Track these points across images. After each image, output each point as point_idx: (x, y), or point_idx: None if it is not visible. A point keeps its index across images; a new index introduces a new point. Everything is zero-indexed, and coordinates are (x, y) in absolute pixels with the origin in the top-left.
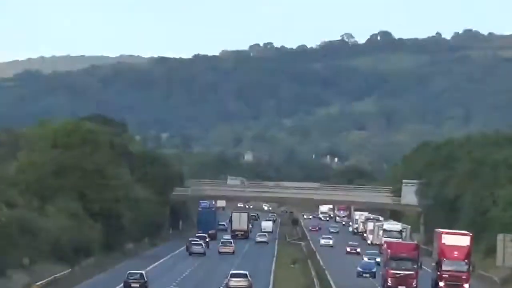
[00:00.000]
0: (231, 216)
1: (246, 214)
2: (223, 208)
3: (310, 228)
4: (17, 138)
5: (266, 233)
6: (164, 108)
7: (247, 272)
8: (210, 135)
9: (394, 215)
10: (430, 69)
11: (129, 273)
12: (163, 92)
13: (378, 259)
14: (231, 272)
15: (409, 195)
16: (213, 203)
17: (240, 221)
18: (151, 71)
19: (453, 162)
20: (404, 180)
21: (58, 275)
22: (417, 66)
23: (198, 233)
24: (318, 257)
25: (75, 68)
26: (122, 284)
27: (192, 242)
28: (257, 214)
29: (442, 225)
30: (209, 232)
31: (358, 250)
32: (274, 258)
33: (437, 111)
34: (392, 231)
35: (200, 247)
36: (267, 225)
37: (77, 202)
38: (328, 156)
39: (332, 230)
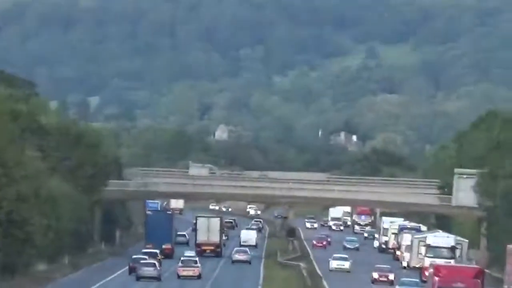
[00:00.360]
0: (195, 223)
1: (217, 220)
2: (181, 211)
3: (315, 242)
4: None
5: (247, 249)
6: (93, 60)
7: None
8: (163, 101)
9: (442, 222)
10: (497, 1)
11: None
12: (92, 35)
13: None
14: None
15: (465, 192)
16: (165, 204)
17: (209, 231)
18: (72, 4)
19: None
20: (457, 170)
21: None
22: None
23: (146, 248)
24: (325, 286)
25: None
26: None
27: (140, 262)
28: (235, 220)
29: None
30: (163, 247)
31: (391, 277)
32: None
33: (508, 64)
34: (441, 247)
35: (152, 268)
36: (249, 236)
37: None
38: (342, 134)
39: (348, 246)
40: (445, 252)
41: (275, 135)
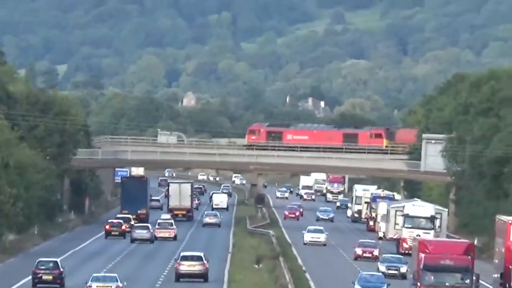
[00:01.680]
0: (168, 188)
1: (189, 185)
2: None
3: (286, 213)
4: None
5: (217, 212)
6: (61, 27)
7: (202, 254)
8: (131, 68)
9: (410, 187)
10: None
11: (39, 261)
12: (59, 2)
13: (402, 268)
14: (181, 254)
15: (434, 157)
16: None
17: (180, 196)
18: None
19: (501, 105)
20: (425, 135)
21: None
22: None
23: (122, 213)
24: (295, 252)
25: None
26: (29, 277)
27: (135, 225)
28: (204, 186)
29: (482, 203)
30: (138, 212)
31: (376, 253)
32: (229, 255)
33: (475, 29)
34: (420, 217)
35: (145, 231)
36: (220, 199)
37: None
38: (310, 99)
39: (322, 216)
40: (424, 222)
41: (243, 101)
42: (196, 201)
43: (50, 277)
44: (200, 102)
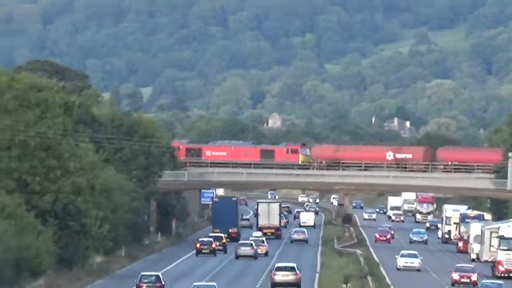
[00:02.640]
0: (257, 208)
1: (277, 204)
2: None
3: (377, 236)
4: None
5: (304, 229)
6: (145, 50)
7: (295, 265)
8: (216, 91)
9: (497, 206)
10: None
11: (142, 275)
12: (143, 25)
13: None
14: (276, 265)
15: None
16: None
17: (269, 215)
18: None
19: None
20: (511, 154)
21: None
22: None
23: (214, 232)
24: (383, 272)
25: None
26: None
27: (240, 243)
28: (289, 207)
29: None
30: (230, 231)
31: (474, 278)
32: (317, 275)
33: None
34: None
35: (249, 248)
36: (308, 217)
37: (17, 195)
38: (395, 119)
39: (415, 239)
40: None
41: (328, 122)
42: (284, 220)
43: None
44: (285, 124)
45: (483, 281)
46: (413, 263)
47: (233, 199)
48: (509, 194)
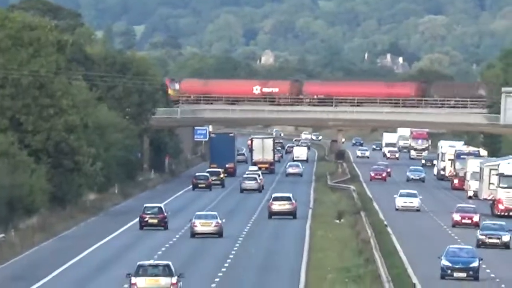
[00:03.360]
0: (251, 143)
1: (271, 140)
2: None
3: (372, 174)
4: None
5: (299, 163)
6: None
7: (290, 195)
8: (208, 28)
9: (490, 141)
10: None
11: (145, 207)
12: None
13: (505, 237)
14: (273, 195)
15: None
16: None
17: (263, 150)
18: None
19: None
20: (504, 89)
21: None
22: None
23: (211, 167)
24: (376, 207)
25: None
26: (137, 219)
27: (244, 176)
28: (282, 142)
29: None
30: (226, 166)
31: (476, 218)
32: (310, 210)
33: None
34: None
35: (254, 181)
36: (300, 152)
37: (10, 133)
38: (388, 56)
39: (412, 177)
40: None
41: (322, 59)
42: (278, 155)
43: (155, 221)
44: (278, 60)
45: (484, 222)
46: (412, 202)
47: (230, 135)
48: (502, 128)
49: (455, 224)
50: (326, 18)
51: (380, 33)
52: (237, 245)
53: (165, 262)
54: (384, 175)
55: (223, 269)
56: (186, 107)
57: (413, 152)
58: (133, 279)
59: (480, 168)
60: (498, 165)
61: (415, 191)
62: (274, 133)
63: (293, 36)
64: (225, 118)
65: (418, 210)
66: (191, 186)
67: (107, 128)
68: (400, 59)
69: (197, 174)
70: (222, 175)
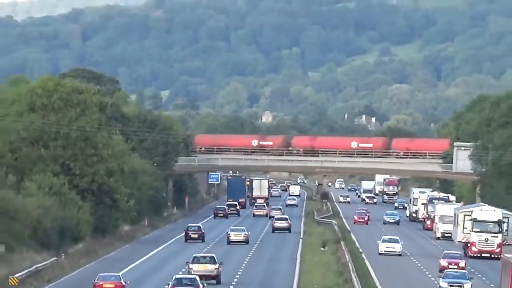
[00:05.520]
0: (251, 183)
1: (266, 181)
2: (244, 176)
3: (356, 218)
4: None
5: (295, 197)
6: (164, 60)
7: (287, 216)
8: (220, 93)
9: (444, 185)
10: (487, 6)
11: (189, 226)
12: (162, 41)
13: (466, 285)
14: (275, 216)
15: (463, 161)
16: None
17: (261, 188)
18: (146, 16)
19: None
20: (456, 143)
21: (40, 265)
22: (470, 3)
23: (228, 201)
24: (353, 238)
25: (54, 13)
26: (182, 234)
27: (255, 206)
28: (274, 182)
29: (503, 196)
30: (239, 200)
31: (462, 264)
32: (301, 240)
33: (496, 59)
34: (488, 221)
35: (263, 211)
36: (295, 188)
37: (62, 176)
38: (363, 116)
39: (388, 220)
40: (492, 226)
41: (310, 118)
42: (277, 193)
43: (196, 235)
44: (276, 119)
45: (446, 270)
46: (394, 248)
47: (242, 177)
48: (454, 175)
49: (442, 269)
50: (314, 86)
51: (357, 98)
52: (253, 249)
53: (211, 254)
54: (366, 218)
55: (244, 263)
56: (201, 156)
57: (385, 197)
58: (190, 265)
59: (455, 214)
60: (472, 211)
61: (396, 237)
62: (298, 180)
63: (288, 100)
64: (233, 166)
65: (400, 255)
66: (212, 215)
67: (139, 173)
68: (373, 119)
69: (217, 206)
70: (238, 207)
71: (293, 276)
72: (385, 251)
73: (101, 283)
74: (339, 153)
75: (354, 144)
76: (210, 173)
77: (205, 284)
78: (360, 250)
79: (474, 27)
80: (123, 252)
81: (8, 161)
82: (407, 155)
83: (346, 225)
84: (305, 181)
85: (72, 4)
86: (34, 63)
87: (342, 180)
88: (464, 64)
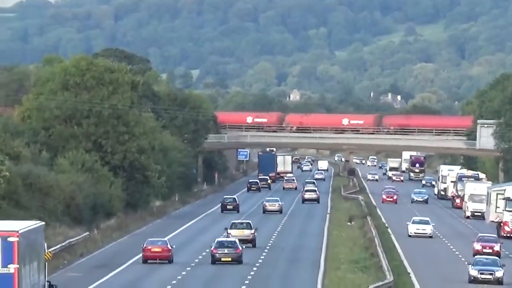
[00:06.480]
0: (275, 159)
1: (290, 156)
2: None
3: (384, 197)
4: (20, 78)
5: (322, 171)
6: (194, 40)
7: (316, 188)
8: (249, 72)
9: (468, 161)
10: None
11: (225, 197)
12: (193, 21)
13: (498, 273)
14: (305, 188)
15: (486, 138)
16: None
17: (284, 164)
18: None
19: None
20: (479, 121)
21: (73, 239)
22: None
23: (260, 176)
24: (379, 213)
25: None
26: (219, 205)
27: (285, 179)
28: (298, 158)
29: None
30: (270, 175)
31: (497, 248)
32: (328, 215)
33: None
34: None
35: (291, 184)
36: (323, 163)
37: (94, 153)
38: (389, 94)
39: (417, 199)
40: None
41: (337, 96)
42: (303, 167)
43: (231, 206)
44: (303, 97)
45: (477, 256)
46: (425, 229)
47: (272, 153)
48: (478, 152)
49: (476, 253)
50: (340, 65)
51: (382, 76)
52: (285, 218)
53: (247, 221)
54: (395, 197)
55: (277, 230)
56: (230, 133)
57: (412, 174)
58: (229, 230)
59: (488, 193)
60: (505, 190)
61: (427, 218)
62: (336, 158)
63: (315, 79)
64: (261, 142)
65: (430, 237)
66: (244, 189)
67: (169, 150)
68: (399, 97)
69: (250, 180)
70: (270, 181)
71: (320, 250)
72: (415, 233)
73: (149, 247)
74: (364, 130)
75: (371, 120)
76: (239, 150)
77: (244, 247)
78: (386, 225)
79: (497, 7)
80: (154, 227)
81: (42, 139)
82: (430, 132)
83: (373, 200)
84: (336, 158)
85: None
86: (68, 43)
87: (375, 157)
88: (487, 44)
